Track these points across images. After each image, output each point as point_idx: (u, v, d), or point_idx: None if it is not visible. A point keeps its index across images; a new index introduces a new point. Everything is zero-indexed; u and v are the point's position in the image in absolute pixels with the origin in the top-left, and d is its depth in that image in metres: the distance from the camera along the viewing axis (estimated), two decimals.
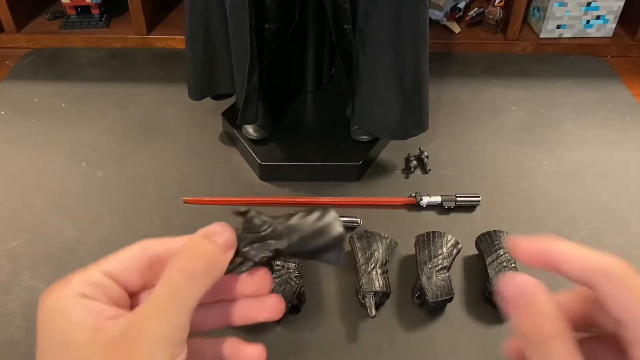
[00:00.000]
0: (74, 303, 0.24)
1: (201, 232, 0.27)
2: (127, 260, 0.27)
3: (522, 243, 0.26)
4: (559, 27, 1.55)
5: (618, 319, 0.23)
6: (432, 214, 1.04)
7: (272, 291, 0.29)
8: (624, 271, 0.23)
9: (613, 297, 0.23)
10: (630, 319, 0.22)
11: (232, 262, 0.27)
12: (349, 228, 0.98)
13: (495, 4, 1.56)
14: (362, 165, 1.10)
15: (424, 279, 0.83)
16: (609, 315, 0.24)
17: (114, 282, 0.26)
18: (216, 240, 0.26)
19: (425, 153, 1.15)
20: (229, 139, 1.21)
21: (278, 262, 0.85)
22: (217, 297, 0.29)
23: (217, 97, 1.19)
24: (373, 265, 0.85)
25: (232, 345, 0.29)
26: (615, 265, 0.23)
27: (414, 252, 0.91)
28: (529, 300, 0.23)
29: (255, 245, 0.28)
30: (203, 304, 0.28)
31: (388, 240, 0.89)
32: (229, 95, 1.18)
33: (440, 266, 0.85)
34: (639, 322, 0.22)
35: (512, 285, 0.23)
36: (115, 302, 0.26)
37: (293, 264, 0.85)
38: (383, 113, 1.03)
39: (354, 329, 0.83)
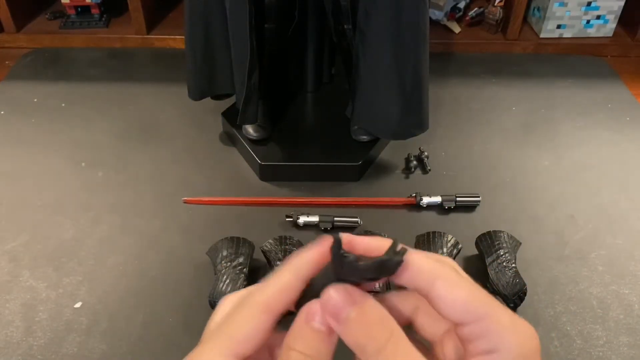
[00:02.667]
0: None
1: (302, 314, 0.25)
2: (254, 335, 0.24)
3: (359, 239, 0.25)
4: (559, 27, 1.55)
5: (453, 318, 0.23)
6: (432, 214, 1.03)
7: None
8: (455, 272, 0.24)
9: (449, 297, 0.23)
10: (466, 315, 0.23)
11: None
12: (349, 228, 0.98)
13: (496, 4, 1.55)
14: (362, 165, 1.10)
15: None
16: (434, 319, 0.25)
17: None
18: (315, 325, 0.24)
19: (426, 153, 1.15)
20: (229, 139, 1.21)
21: (278, 262, 0.85)
22: None
23: (217, 97, 1.19)
24: None
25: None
26: (447, 265, 0.24)
27: None
28: (356, 309, 0.23)
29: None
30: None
31: None
32: (228, 95, 1.18)
33: None
34: (476, 317, 0.22)
35: (333, 300, 0.23)
36: None
37: None
38: (383, 113, 1.02)
39: None
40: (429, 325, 0.26)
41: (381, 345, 0.22)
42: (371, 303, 0.23)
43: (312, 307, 0.24)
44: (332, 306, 0.23)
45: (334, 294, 0.23)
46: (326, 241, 0.25)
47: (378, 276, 0.23)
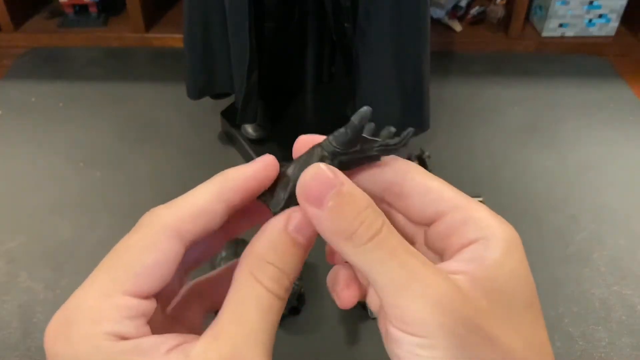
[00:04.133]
0: (121, 352, 0.18)
1: (282, 219, 0.20)
2: (159, 267, 0.19)
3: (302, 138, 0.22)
4: (561, 25, 1.54)
5: (428, 209, 0.21)
6: None
7: None
8: (424, 170, 0.22)
9: (423, 185, 0.21)
10: (442, 203, 0.21)
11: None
12: None
13: (497, 2, 1.54)
14: None
15: None
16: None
17: (148, 300, 0.19)
18: (298, 237, 0.20)
19: (427, 153, 1.14)
20: (228, 139, 1.20)
21: None
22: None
23: (216, 96, 1.18)
24: None
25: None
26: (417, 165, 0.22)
27: None
28: (347, 188, 0.19)
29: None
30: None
31: None
32: (227, 94, 1.18)
33: None
34: (454, 205, 0.21)
35: (317, 178, 0.19)
36: (162, 321, 0.21)
37: None
38: (384, 112, 1.02)
39: (355, 330, 0.82)
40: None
41: (376, 229, 0.19)
42: (356, 187, 0.20)
43: (295, 214, 0.20)
44: (317, 185, 0.19)
45: (320, 169, 0.19)
46: (265, 159, 0.21)
47: (382, 153, 0.21)
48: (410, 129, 0.22)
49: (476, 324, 0.19)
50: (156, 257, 0.19)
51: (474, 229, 0.20)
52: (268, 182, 0.21)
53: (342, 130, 0.21)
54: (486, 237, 0.20)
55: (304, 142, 0.22)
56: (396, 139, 0.21)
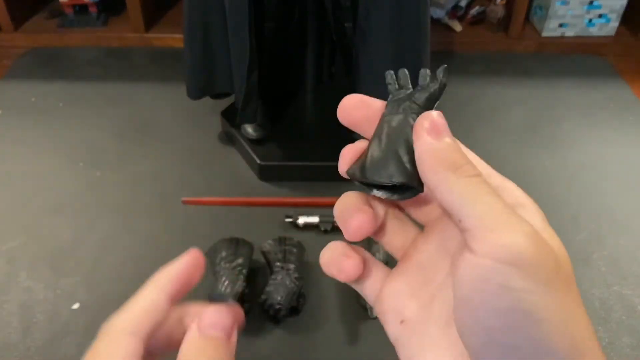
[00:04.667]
0: None
1: (194, 325, 0.24)
2: None
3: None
4: (561, 25, 1.54)
5: (451, 208, 0.21)
6: None
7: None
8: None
9: (445, 187, 0.21)
10: (463, 209, 0.20)
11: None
12: None
13: (497, 2, 1.54)
14: None
15: None
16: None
17: None
18: (212, 332, 0.23)
19: None
20: (228, 139, 1.20)
21: (277, 263, 0.84)
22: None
23: (216, 96, 1.18)
24: None
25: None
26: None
27: None
28: (447, 133, 0.22)
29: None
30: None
31: None
32: (227, 94, 1.18)
33: None
34: (468, 212, 0.21)
35: (444, 121, 0.23)
36: None
37: (293, 265, 0.84)
38: None
39: (354, 330, 0.82)
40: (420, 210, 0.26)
41: (479, 172, 0.21)
42: None
43: (205, 316, 0.23)
44: (442, 122, 0.22)
45: (441, 114, 0.22)
46: (192, 254, 0.25)
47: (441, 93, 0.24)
48: (443, 69, 0.24)
49: (559, 268, 0.19)
50: (121, 357, 0.22)
51: (509, 195, 0.21)
52: (197, 268, 0.25)
53: (428, 90, 0.24)
54: (523, 205, 0.21)
55: (354, 101, 0.26)
56: (435, 81, 0.24)
